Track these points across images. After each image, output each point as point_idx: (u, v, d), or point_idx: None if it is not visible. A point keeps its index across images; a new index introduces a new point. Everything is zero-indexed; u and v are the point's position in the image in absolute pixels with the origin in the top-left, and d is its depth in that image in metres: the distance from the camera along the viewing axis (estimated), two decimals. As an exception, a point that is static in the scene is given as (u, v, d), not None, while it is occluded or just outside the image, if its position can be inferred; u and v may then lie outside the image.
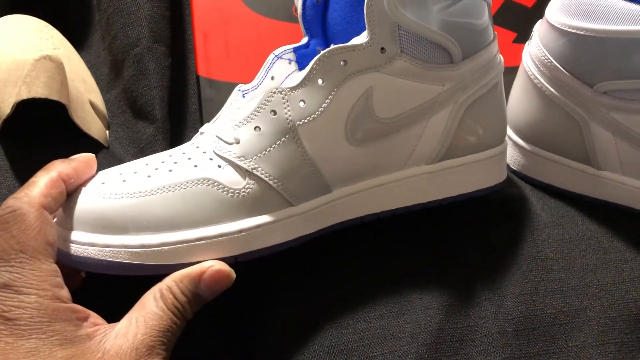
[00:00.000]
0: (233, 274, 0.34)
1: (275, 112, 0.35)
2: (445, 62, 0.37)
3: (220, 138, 0.35)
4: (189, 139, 0.48)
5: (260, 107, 0.35)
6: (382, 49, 0.35)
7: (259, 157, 0.35)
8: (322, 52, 0.35)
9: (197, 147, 0.36)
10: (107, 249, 0.33)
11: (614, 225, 0.44)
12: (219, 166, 0.35)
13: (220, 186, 0.35)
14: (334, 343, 0.37)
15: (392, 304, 0.39)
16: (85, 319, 0.32)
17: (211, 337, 0.38)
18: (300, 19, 0.39)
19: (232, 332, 0.38)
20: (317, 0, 0.38)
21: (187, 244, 0.34)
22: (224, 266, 0.34)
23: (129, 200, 0.34)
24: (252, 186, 0.35)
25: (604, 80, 0.39)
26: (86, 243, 0.33)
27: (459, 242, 0.42)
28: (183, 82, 0.50)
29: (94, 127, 0.46)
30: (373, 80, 0.36)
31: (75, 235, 0.34)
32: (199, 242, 0.34)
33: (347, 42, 0.38)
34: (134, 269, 0.33)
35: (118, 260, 0.33)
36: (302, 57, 0.40)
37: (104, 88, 0.50)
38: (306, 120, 0.36)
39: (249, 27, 0.49)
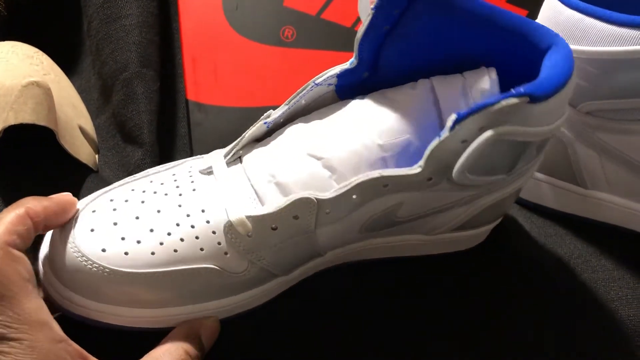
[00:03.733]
0: (219, 324, 0.36)
1: (297, 217, 0.33)
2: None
3: (233, 225, 0.34)
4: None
5: (284, 211, 0.33)
6: (430, 178, 0.34)
7: (267, 250, 0.35)
8: (367, 178, 0.33)
9: (207, 221, 0.34)
10: (101, 313, 0.34)
11: (602, 244, 0.44)
12: (226, 253, 0.34)
13: (222, 271, 0.34)
14: None
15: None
16: (81, 357, 0.31)
17: None
18: (356, 41, 0.36)
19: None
20: (385, 26, 0.36)
21: (178, 316, 0.35)
22: (215, 318, 0.36)
23: (129, 278, 0.33)
24: (251, 270, 0.35)
25: (586, 100, 0.39)
26: (81, 305, 0.34)
27: (446, 260, 0.42)
28: (172, 106, 0.51)
29: (83, 152, 0.46)
30: (407, 197, 0.35)
31: (72, 296, 0.34)
32: (189, 314, 0.35)
33: (398, 78, 0.37)
34: (122, 328, 0.35)
35: (109, 322, 0.34)
36: (344, 80, 0.38)
37: (94, 113, 0.51)
38: (327, 227, 0.35)
39: (237, 51, 0.49)
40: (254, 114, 0.48)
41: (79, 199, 0.36)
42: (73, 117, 0.47)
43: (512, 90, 0.30)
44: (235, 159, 0.37)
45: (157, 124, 0.48)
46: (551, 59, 0.33)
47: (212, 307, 0.35)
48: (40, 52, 0.49)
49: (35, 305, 0.30)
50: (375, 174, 0.33)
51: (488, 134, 0.30)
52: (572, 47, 0.38)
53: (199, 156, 0.39)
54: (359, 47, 0.36)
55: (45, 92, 0.41)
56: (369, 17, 0.35)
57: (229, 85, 0.49)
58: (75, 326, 0.33)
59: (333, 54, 0.49)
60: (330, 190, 0.34)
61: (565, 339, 0.39)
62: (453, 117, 0.30)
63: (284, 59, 0.49)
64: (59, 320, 0.32)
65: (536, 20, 0.42)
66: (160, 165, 0.39)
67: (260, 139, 0.38)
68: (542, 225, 0.45)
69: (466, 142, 0.31)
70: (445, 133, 0.31)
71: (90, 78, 0.52)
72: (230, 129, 0.44)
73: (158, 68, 0.49)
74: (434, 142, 0.31)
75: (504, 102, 0.29)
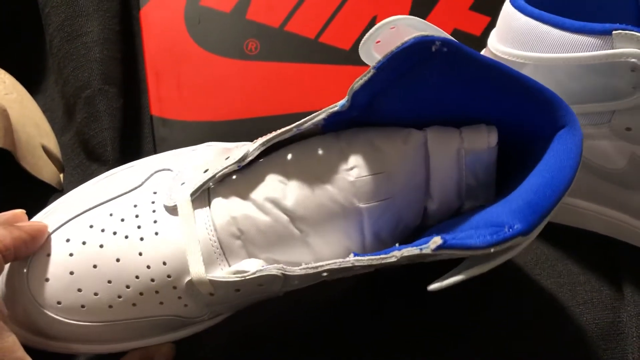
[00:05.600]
0: (175, 348, 0.36)
1: (262, 285, 0.32)
2: None
3: (195, 285, 0.32)
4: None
5: (249, 280, 0.32)
6: (401, 264, 0.32)
7: (228, 305, 0.34)
8: (340, 267, 0.31)
9: (169, 275, 0.32)
10: (57, 348, 0.34)
11: (567, 248, 0.44)
12: (185, 305, 0.33)
13: (180, 319, 0.34)
14: None
15: None
16: None
17: None
18: (351, 90, 0.32)
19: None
20: (385, 83, 0.32)
21: (133, 347, 0.35)
22: (171, 345, 0.36)
23: (86, 329, 0.33)
24: (208, 315, 0.35)
25: (545, 106, 0.40)
26: (36, 342, 0.34)
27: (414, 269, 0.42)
28: (137, 122, 0.50)
29: (46, 172, 0.45)
30: (377, 267, 0.33)
31: (27, 335, 0.33)
32: (144, 344, 0.35)
33: (390, 119, 0.34)
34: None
35: (65, 353, 0.34)
36: (332, 119, 0.34)
37: (59, 131, 0.50)
38: (291, 288, 0.34)
39: (201, 65, 0.49)
40: (219, 128, 0.48)
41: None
42: (36, 136, 0.46)
43: (505, 228, 0.28)
44: (204, 193, 0.34)
45: (121, 141, 0.47)
46: (559, 148, 0.31)
47: (165, 340, 0.35)
48: (3, 71, 0.49)
49: (9, 344, 0.30)
50: (348, 263, 0.31)
51: (460, 277, 0.29)
52: (528, 54, 0.38)
53: (165, 164, 0.37)
54: (353, 95, 0.33)
55: (0, 114, 0.41)
56: (369, 75, 0.31)
57: (194, 100, 0.48)
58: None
59: (298, 65, 0.49)
60: (299, 251, 0.33)
61: (532, 344, 0.40)
62: (438, 241, 0.28)
63: (248, 72, 0.49)
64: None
65: (494, 28, 0.42)
66: (122, 168, 0.38)
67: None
68: (509, 231, 0.45)
69: (441, 256, 0.30)
70: (426, 249, 0.29)
71: (55, 96, 0.52)
72: (195, 143, 0.44)
73: (121, 84, 0.49)
74: (414, 250, 0.30)
75: (494, 249, 0.28)
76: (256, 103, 0.48)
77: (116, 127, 0.47)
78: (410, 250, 0.30)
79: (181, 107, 0.48)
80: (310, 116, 0.34)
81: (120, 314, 0.33)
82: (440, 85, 0.32)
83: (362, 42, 0.34)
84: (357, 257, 0.31)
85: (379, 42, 0.34)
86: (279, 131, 0.34)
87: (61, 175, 0.48)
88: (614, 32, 0.34)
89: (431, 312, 0.41)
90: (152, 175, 0.36)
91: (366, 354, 0.39)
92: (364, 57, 0.34)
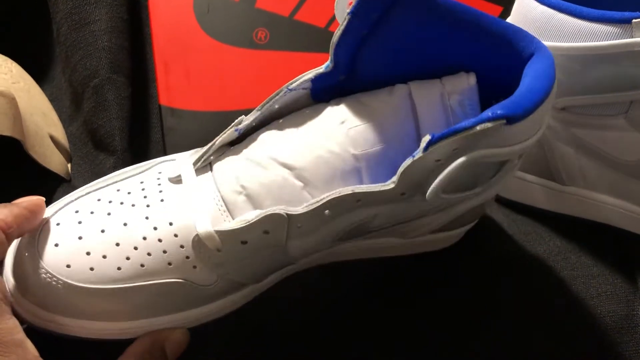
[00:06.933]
0: (189, 335, 0.35)
1: (268, 232, 0.33)
2: None
3: (201, 240, 0.33)
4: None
5: (254, 226, 0.32)
6: (403, 193, 0.33)
7: (237, 263, 0.34)
8: (339, 195, 0.32)
9: (175, 234, 0.33)
10: (67, 327, 0.34)
11: (580, 240, 0.44)
12: (194, 267, 0.33)
13: (190, 285, 0.34)
14: None
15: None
16: None
17: None
18: (332, 45, 0.34)
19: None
20: (362, 31, 0.34)
21: (144, 328, 0.34)
22: (184, 331, 0.35)
23: (95, 293, 0.33)
24: (220, 282, 0.34)
25: (561, 96, 0.39)
26: (46, 319, 0.33)
27: (424, 260, 0.41)
28: (145, 112, 0.50)
29: (54, 161, 0.45)
30: (381, 209, 0.34)
31: (38, 311, 0.33)
32: (157, 326, 0.35)
33: (376, 81, 0.36)
34: (87, 340, 0.34)
35: (74, 335, 0.34)
36: (319, 84, 0.36)
37: (66, 121, 0.50)
38: (299, 240, 0.34)
39: (210, 54, 0.48)
40: (228, 117, 0.47)
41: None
42: (43, 126, 0.46)
43: (489, 112, 0.29)
44: (206, 166, 0.36)
45: (130, 131, 0.47)
46: (532, 69, 0.32)
47: (180, 319, 0.35)
48: (10, 60, 0.49)
49: (10, 325, 0.30)
50: (348, 190, 0.32)
51: (461, 160, 0.30)
52: (546, 43, 0.37)
53: (170, 157, 0.38)
54: (335, 51, 0.34)
55: (9, 102, 0.41)
56: (345, 22, 0.33)
57: (202, 89, 0.48)
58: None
59: (307, 55, 0.49)
60: (302, 202, 0.33)
61: (545, 336, 0.39)
62: (427, 138, 0.29)
63: (258, 61, 0.49)
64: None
65: (509, 17, 0.41)
66: (131, 167, 0.38)
67: (232, 143, 0.37)
68: (521, 223, 0.45)
69: (440, 162, 0.31)
70: (419, 153, 0.30)
71: (62, 86, 0.51)
72: (204, 133, 0.44)
73: (129, 74, 0.49)
74: (407, 161, 0.31)
75: (479, 127, 0.29)
76: (265, 93, 0.47)
77: (124, 117, 0.47)
78: (404, 165, 0.31)
79: (190, 97, 0.48)
80: (299, 76, 0.36)
81: (129, 275, 0.33)
82: (415, 34, 0.34)
83: (335, 2, 0.35)
84: (356, 186, 0.32)
85: (351, 3, 0.34)
86: (271, 96, 0.36)
87: (69, 165, 0.47)
88: (634, 20, 0.33)
89: (439, 307, 0.40)
90: (157, 164, 0.38)
91: (371, 348, 0.39)
92: (339, 19, 0.35)
